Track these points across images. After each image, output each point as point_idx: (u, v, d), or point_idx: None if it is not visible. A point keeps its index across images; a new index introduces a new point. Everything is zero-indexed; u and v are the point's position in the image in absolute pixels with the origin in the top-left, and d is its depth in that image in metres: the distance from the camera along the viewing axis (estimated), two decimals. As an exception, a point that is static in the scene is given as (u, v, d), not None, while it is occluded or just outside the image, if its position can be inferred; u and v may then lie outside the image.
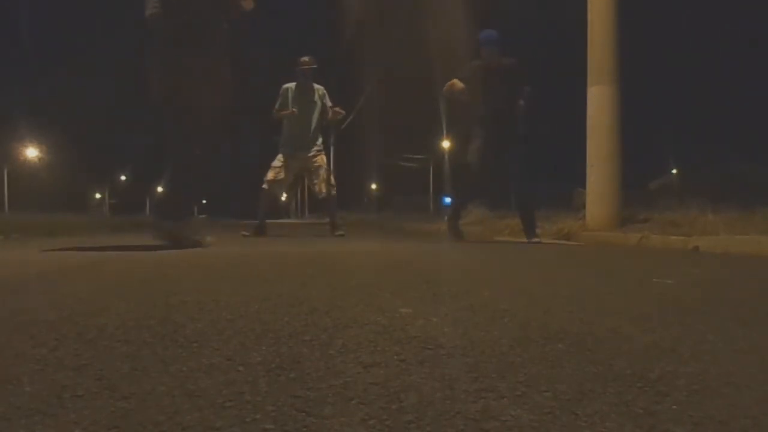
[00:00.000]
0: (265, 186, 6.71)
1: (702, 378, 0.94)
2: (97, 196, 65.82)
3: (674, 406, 0.81)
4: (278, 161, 6.75)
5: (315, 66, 6.81)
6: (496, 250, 4.61)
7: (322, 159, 6.90)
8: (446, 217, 6.43)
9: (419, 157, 47.11)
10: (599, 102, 5.83)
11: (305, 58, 6.77)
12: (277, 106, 6.83)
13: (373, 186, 55.61)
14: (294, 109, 6.68)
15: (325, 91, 6.93)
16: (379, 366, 0.99)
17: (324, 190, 6.83)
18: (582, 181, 6.18)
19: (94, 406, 0.79)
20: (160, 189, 4.24)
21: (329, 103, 6.92)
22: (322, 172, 6.83)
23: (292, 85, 6.83)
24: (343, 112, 7.07)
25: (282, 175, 6.72)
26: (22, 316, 1.44)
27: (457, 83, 5.75)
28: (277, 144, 6.92)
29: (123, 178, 66.48)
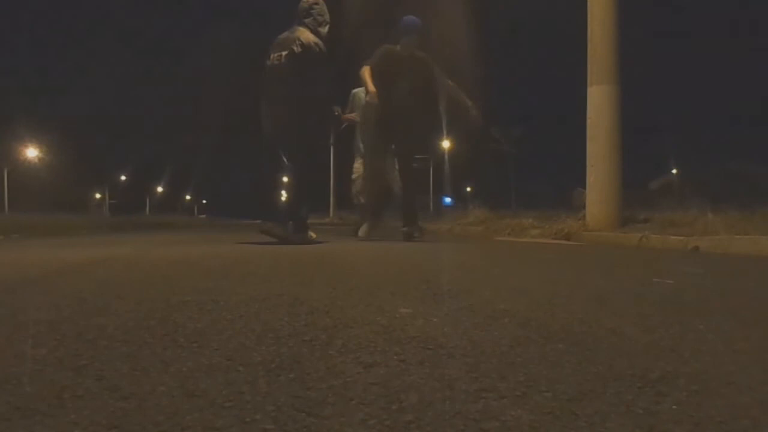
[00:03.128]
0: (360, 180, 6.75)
1: (702, 378, 0.94)
2: (97, 196, 65.87)
3: (674, 406, 0.81)
4: (358, 163, 6.84)
5: None
6: (496, 250, 4.61)
7: None
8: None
9: (419, 157, 47.06)
10: (599, 102, 5.82)
11: None
12: (346, 111, 6.86)
13: (373, 186, 55.45)
14: (354, 115, 6.68)
15: None
16: (379, 366, 0.99)
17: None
18: (582, 181, 6.17)
19: (94, 406, 0.79)
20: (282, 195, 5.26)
21: None
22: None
23: (360, 90, 6.66)
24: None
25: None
26: (22, 316, 1.44)
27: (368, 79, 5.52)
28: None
29: (123, 178, 66.55)
